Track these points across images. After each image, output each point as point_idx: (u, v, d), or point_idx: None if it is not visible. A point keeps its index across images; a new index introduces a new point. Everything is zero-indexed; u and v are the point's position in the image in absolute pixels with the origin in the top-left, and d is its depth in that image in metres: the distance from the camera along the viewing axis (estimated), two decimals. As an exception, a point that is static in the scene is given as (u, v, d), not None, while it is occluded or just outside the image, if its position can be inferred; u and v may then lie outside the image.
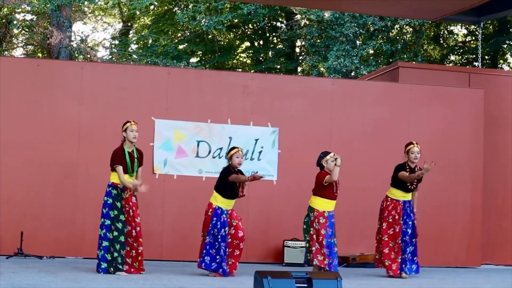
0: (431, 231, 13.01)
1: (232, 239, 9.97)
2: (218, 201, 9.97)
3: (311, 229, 10.06)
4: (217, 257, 9.81)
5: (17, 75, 12.02)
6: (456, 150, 13.44)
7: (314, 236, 10.03)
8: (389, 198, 10.75)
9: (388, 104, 13.36)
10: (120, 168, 9.55)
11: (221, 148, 12.43)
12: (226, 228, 9.91)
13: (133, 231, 9.54)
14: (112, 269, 9.38)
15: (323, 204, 10.11)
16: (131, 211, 9.55)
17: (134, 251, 9.58)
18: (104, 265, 9.38)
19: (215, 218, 9.87)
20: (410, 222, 10.65)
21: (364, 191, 12.83)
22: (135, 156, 9.74)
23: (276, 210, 12.69)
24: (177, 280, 8.91)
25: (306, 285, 6.03)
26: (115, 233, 9.44)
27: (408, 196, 10.70)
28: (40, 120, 11.97)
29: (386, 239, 10.67)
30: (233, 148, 10.22)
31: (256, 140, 12.68)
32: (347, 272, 10.99)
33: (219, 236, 9.82)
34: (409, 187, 10.66)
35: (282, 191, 12.68)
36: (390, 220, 10.65)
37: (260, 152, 12.67)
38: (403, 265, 10.65)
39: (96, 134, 11.96)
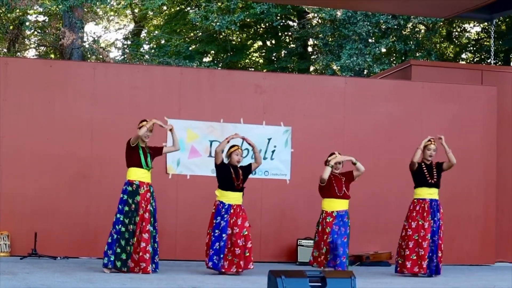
0: (444, 228, 12.94)
1: (230, 236, 9.83)
2: (219, 195, 10.00)
3: (319, 228, 10.13)
4: (221, 255, 9.80)
5: (30, 76, 12.05)
6: (469, 147, 13.38)
7: (320, 235, 10.09)
8: (415, 200, 10.71)
9: (400, 102, 13.33)
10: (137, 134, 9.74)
11: (234, 148, 12.45)
12: (222, 222, 9.81)
13: (140, 225, 9.53)
14: (119, 264, 9.43)
15: (329, 204, 10.20)
16: (144, 206, 9.58)
17: (142, 244, 9.50)
18: (117, 262, 9.44)
19: (218, 217, 9.88)
20: (436, 222, 10.58)
21: (377, 190, 12.80)
22: (147, 151, 9.83)
23: (290, 209, 12.67)
24: (191, 279, 8.91)
25: (320, 284, 6.02)
26: (122, 229, 9.48)
27: (434, 194, 10.65)
28: (53, 120, 12.00)
29: (421, 241, 10.49)
30: (233, 146, 10.24)
31: (269, 139, 12.67)
32: (361, 270, 10.96)
33: (216, 231, 9.81)
34: (429, 180, 10.62)
35: (295, 190, 12.66)
36: (419, 220, 10.52)
37: (273, 152, 12.65)
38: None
39: (109, 135, 11.97)
